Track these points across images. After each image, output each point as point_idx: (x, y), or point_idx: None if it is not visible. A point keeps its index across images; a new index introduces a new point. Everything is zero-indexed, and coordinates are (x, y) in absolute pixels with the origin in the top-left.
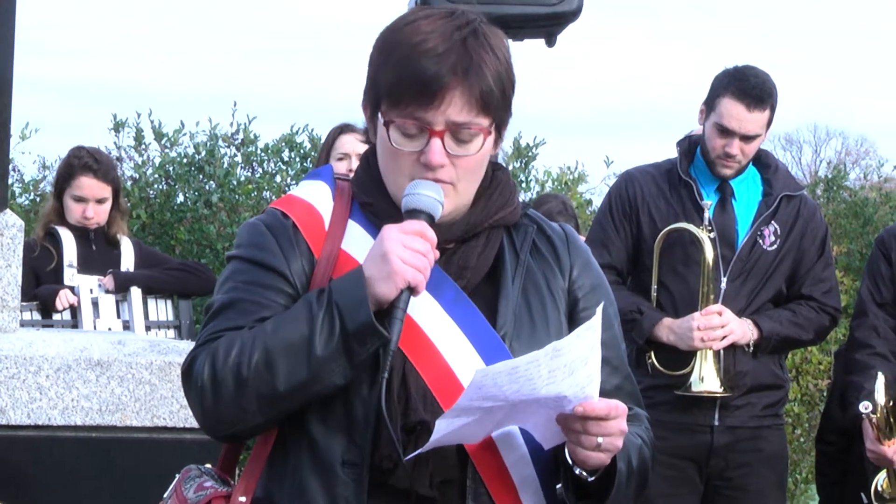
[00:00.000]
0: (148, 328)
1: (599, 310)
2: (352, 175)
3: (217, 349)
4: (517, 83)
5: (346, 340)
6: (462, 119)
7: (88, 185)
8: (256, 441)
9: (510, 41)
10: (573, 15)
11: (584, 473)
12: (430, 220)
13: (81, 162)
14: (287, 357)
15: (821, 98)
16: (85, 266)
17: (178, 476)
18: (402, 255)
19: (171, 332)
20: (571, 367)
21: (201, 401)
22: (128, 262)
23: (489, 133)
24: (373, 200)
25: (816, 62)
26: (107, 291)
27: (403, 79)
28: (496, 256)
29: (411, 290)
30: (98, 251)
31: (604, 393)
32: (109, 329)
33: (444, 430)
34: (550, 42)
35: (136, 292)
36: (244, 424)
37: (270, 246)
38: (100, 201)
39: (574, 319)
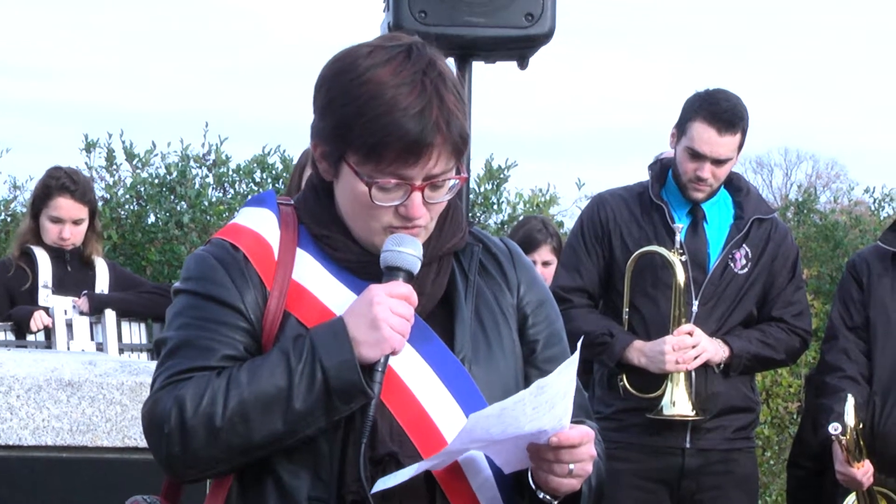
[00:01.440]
0: (121, 350)
1: (579, 344)
2: (295, 200)
3: (184, 395)
4: (485, 106)
5: (329, 398)
6: (441, 171)
7: (65, 206)
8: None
9: (483, 63)
10: (545, 38)
11: (548, 497)
12: (409, 276)
13: (59, 183)
14: (263, 410)
15: (792, 121)
16: (60, 287)
17: None
18: (392, 322)
19: (145, 355)
20: (552, 401)
21: (167, 447)
22: (102, 283)
23: (465, 179)
24: (328, 233)
25: (788, 86)
26: (81, 313)
27: (386, 141)
28: (448, 280)
29: (392, 352)
30: (73, 272)
31: None
32: (83, 351)
33: (424, 466)
34: (523, 65)
35: (110, 315)
36: (212, 471)
37: (223, 280)
38: (76, 222)
39: (524, 336)
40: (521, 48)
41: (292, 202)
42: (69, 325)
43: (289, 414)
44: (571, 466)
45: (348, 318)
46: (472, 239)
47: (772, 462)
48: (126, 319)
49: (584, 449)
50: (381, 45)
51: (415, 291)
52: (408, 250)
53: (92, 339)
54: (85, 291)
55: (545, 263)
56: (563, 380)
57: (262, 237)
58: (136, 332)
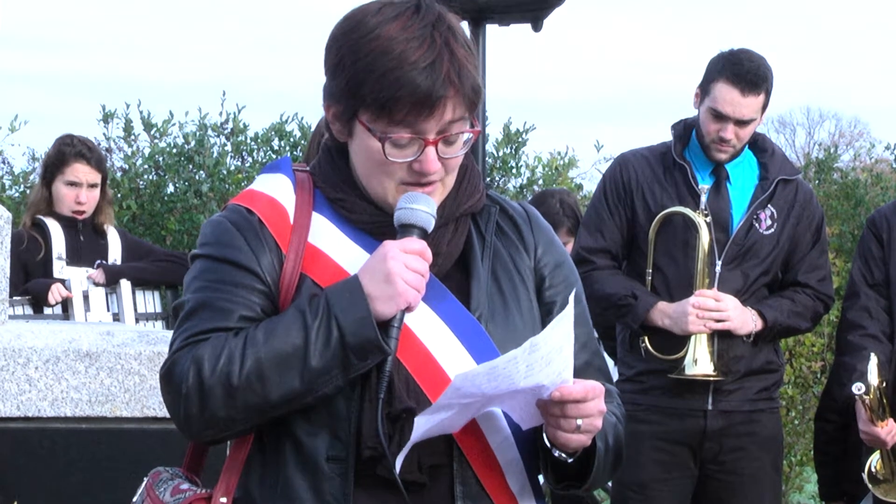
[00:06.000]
0: (137, 320)
1: (571, 297)
2: (310, 166)
3: (202, 356)
4: (501, 68)
5: (346, 354)
6: (454, 124)
7: (82, 170)
8: (234, 440)
9: (497, 26)
10: (558, 0)
11: (563, 455)
12: (423, 234)
13: (75, 149)
14: (279, 368)
15: (814, 80)
16: (73, 257)
17: (146, 479)
18: (406, 276)
19: (160, 324)
20: (548, 357)
21: (186, 408)
22: (115, 252)
23: (478, 132)
24: (344, 196)
25: (810, 45)
26: (96, 284)
27: (398, 95)
28: (464, 241)
29: (407, 309)
30: (86, 241)
31: (574, 370)
32: (100, 322)
33: (423, 426)
34: (537, 27)
35: (125, 285)
36: (230, 431)
37: (238, 243)
38: (92, 186)
39: (541, 297)
40: (534, 10)
41: (308, 168)
42: (86, 297)
43: (305, 371)
44: (579, 422)
45: (363, 275)
46: (489, 201)
47: (796, 422)
48: (140, 288)
49: (591, 404)
50: (390, 1)
51: (429, 248)
52: (421, 207)
53: (108, 309)
54: (99, 262)
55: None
56: (557, 335)
57: (276, 201)
58: (150, 301)
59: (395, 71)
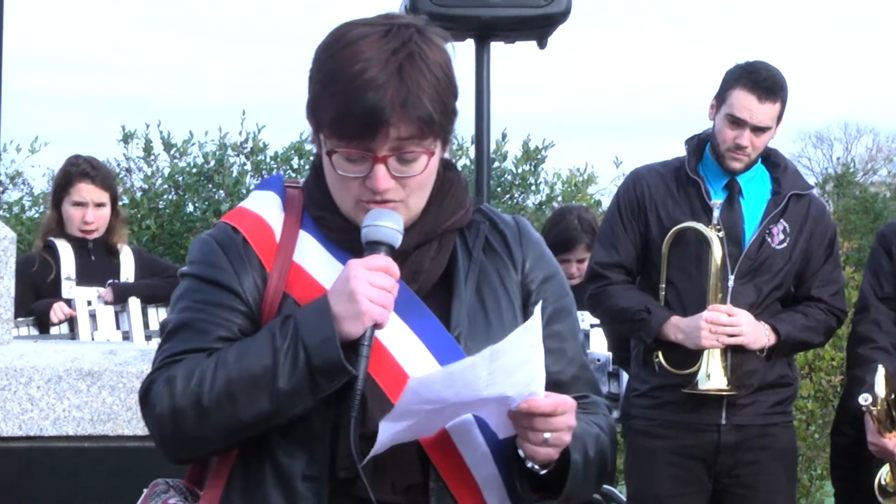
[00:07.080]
0: (149, 337)
1: (537, 309)
2: (302, 183)
3: (175, 376)
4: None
5: (312, 376)
6: (404, 145)
7: (87, 189)
8: (217, 456)
9: (502, 44)
10: (562, 16)
11: (536, 467)
12: (391, 250)
13: (79, 169)
14: (249, 389)
15: (851, 95)
16: (84, 277)
17: (145, 491)
18: (370, 294)
19: None
20: (511, 368)
21: (160, 428)
22: (128, 271)
23: (432, 153)
24: (324, 214)
25: (846, 59)
26: (105, 303)
27: (343, 115)
28: (449, 258)
29: (376, 326)
30: (97, 261)
31: (561, 384)
32: (108, 341)
33: (388, 432)
34: (542, 44)
35: (134, 302)
36: (204, 451)
37: (221, 263)
38: (98, 205)
39: (527, 312)
40: (539, 27)
41: (300, 185)
42: (92, 316)
43: (274, 393)
44: (547, 435)
45: (331, 295)
46: (480, 216)
47: (816, 436)
48: (152, 305)
49: (560, 419)
50: (369, 22)
51: (395, 263)
52: (386, 224)
53: (118, 327)
54: (110, 281)
55: (580, 261)
56: (522, 345)
57: (263, 220)
58: (162, 318)
59: (342, 93)
